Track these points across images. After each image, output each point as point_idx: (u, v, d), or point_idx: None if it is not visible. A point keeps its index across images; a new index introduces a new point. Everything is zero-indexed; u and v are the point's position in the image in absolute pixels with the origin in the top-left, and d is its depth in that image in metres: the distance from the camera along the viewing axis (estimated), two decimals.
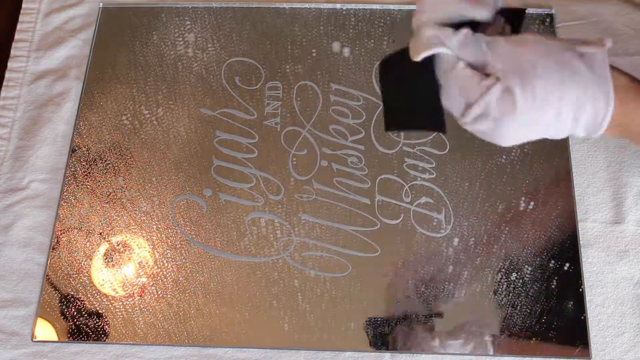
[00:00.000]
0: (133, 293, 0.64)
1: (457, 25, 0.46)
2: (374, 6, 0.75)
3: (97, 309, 0.63)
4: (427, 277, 0.63)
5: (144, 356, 0.61)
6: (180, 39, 0.75)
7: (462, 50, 0.45)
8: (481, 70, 0.45)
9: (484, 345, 0.61)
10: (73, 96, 0.73)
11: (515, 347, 0.60)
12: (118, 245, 0.66)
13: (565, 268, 0.63)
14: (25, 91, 0.74)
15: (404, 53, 0.52)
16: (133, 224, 0.66)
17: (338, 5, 0.76)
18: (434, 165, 0.67)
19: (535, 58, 0.43)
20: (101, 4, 0.77)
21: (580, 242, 0.64)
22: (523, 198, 0.66)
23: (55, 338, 0.62)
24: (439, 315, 0.62)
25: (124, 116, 0.71)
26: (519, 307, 0.62)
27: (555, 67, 0.43)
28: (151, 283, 0.64)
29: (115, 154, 0.69)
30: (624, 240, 0.64)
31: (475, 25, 0.47)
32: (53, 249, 0.65)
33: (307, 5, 0.76)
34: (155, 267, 0.65)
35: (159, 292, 0.64)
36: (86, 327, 0.62)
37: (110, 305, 0.63)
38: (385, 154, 0.68)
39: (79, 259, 0.65)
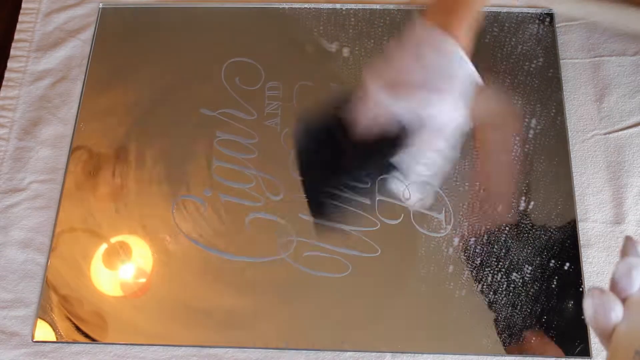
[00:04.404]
0: (133, 293, 0.64)
1: None
2: (374, 6, 0.75)
3: (97, 309, 0.63)
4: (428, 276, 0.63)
5: (145, 356, 0.61)
6: (180, 39, 0.75)
7: None
8: None
9: (484, 345, 0.60)
10: (73, 96, 0.73)
11: (515, 347, 0.60)
12: (118, 245, 0.66)
13: (566, 268, 0.63)
14: (25, 91, 0.73)
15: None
16: (133, 224, 0.66)
17: (338, 5, 0.76)
18: None
19: None
20: (101, 4, 0.77)
21: (581, 242, 0.64)
22: (523, 198, 0.66)
23: (55, 338, 0.62)
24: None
25: (123, 116, 0.71)
26: (519, 306, 0.62)
27: None
28: (151, 283, 0.64)
29: (115, 154, 0.69)
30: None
31: None
32: (53, 249, 0.65)
33: (307, 6, 0.76)
34: (155, 267, 0.65)
35: (159, 292, 0.64)
36: (86, 328, 0.62)
37: (110, 306, 0.63)
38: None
39: (79, 260, 0.65)
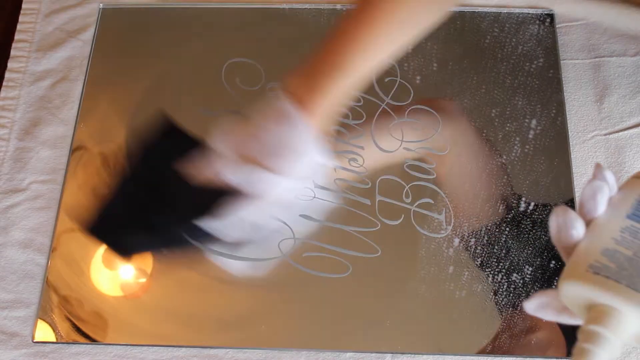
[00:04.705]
0: (133, 293, 0.64)
1: None
2: None
3: (98, 309, 0.63)
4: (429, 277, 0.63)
5: (145, 357, 0.61)
6: (180, 39, 0.75)
7: None
8: None
9: (484, 345, 0.61)
10: (73, 97, 0.73)
11: (515, 347, 0.60)
12: None
13: None
14: (25, 92, 0.73)
15: None
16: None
17: (338, 6, 0.76)
18: (434, 166, 0.67)
19: None
20: (101, 4, 0.77)
21: None
22: (523, 198, 0.66)
23: (56, 339, 0.62)
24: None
25: (124, 117, 0.71)
26: (519, 307, 0.62)
27: None
28: (151, 283, 0.64)
29: (116, 154, 0.69)
30: None
31: None
32: (53, 249, 0.65)
33: (307, 6, 0.76)
34: (155, 268, 0.65)
35: (159, 293, 0.64)
36: (87, 328, 0.62)
37: (110, 306, 0.63)
38: (386, 154, 0.68)
39: (79, 260, 0.65)
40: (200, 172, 0.53)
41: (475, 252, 0.64)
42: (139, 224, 0.55)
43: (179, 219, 0.53)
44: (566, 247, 0.38)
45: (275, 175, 0.51)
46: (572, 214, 0.37)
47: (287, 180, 0.51)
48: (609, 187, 0.39)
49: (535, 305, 0.39)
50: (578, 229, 0.37)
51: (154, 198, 0.54)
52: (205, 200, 0.52)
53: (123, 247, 0.57)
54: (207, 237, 0.53)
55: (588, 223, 0.38)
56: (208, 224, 0.52)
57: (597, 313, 0.35)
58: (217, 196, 0.51)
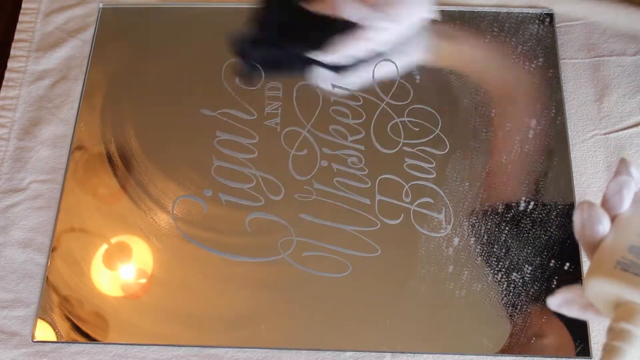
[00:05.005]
0: (133, 293, 0.64)
1: None
2: None
3: (98, 309, 0.63)
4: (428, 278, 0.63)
5: (145, 356, 0.61)
6: (181, 39, 0.75)
7: None
8: None
9: (484, 345, 0.61)
10: (73, 97, 0.73)
11: (515, 347, 0.60)
12: (118, 245, 0.66)
13: (566, 268, 0.63)
14: (25, 91, 0.73)
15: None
16: (133, 225, 0.66)
17: None
18: (434, 165, 0.67)
19: None
20: (101, 4, 0.77)
21: None
22: (523, 198, 0.66)
23: (56, 338, 0.62)
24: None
25: (124, 116, 0.71)
26: (519, 306, 0.62)
27: None
28: (151, 283, 0.64)
29: (116, 154, 0.69)
30: None
31: None
32: (53, 249, 0.65)
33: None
34: (155, 267, 0.65)
35: (159, 292, 0.64)
36: (87, 328, 0.62)
37: (110, 305, 0.63)
38: (386, 154, 0.68)
39: (79, 260, 0.65)
40: (324, 7, 0.64)
41: (475, 251, 0.64)
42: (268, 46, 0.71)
43: (298, 49, 0.68)
44: (590, 243, 0.37)
45: (388, 20, 0.62)
46: (598, 209, 0.37)
47: (396, 25, 0.63)
48: (635, 182, 0.38)
49: (560, 302, 0.38)
50: (604, 225, 0.36)
51: (282, 29, 0.69)
52: (321, 36, 0.64)
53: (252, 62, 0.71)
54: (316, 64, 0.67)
55: (612, 219, 0.37)
56: (320, 56, 0.66)
57: (625, 310, 0.35)
58: (333, 33, 0.63)
